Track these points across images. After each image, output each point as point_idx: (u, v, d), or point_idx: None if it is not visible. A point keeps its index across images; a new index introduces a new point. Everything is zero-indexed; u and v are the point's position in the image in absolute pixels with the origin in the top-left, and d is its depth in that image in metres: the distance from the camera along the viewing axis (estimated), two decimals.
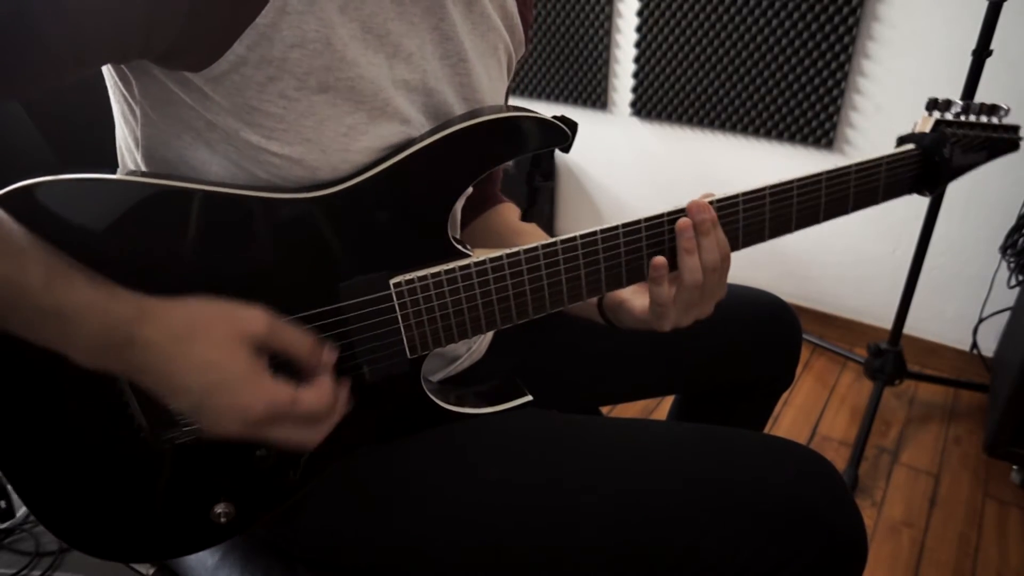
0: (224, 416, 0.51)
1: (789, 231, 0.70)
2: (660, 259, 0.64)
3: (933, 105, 0.76)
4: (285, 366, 0.54)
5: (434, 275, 0.59)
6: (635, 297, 0.70)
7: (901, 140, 0.76)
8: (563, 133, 0.60)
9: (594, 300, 0.75)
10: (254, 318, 0.52)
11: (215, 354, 0.50)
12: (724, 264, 0.65)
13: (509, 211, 0.85)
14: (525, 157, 0.63)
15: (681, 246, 0.63)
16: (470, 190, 0.74)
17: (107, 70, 0.58)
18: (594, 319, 0.76)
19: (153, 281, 0.51)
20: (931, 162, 0.74)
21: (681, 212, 0.64)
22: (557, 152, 0.63)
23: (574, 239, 0.62)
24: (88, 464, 0.59)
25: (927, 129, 0.75)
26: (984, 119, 0.77)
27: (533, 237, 0.76)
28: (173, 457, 0.60)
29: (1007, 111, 0.77)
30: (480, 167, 0.60)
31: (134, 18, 0.46)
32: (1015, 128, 0.79)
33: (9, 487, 0.59)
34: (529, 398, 0.69)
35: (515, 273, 0.61)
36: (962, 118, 0.76)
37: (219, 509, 0.62)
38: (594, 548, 0.62)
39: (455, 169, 0.59)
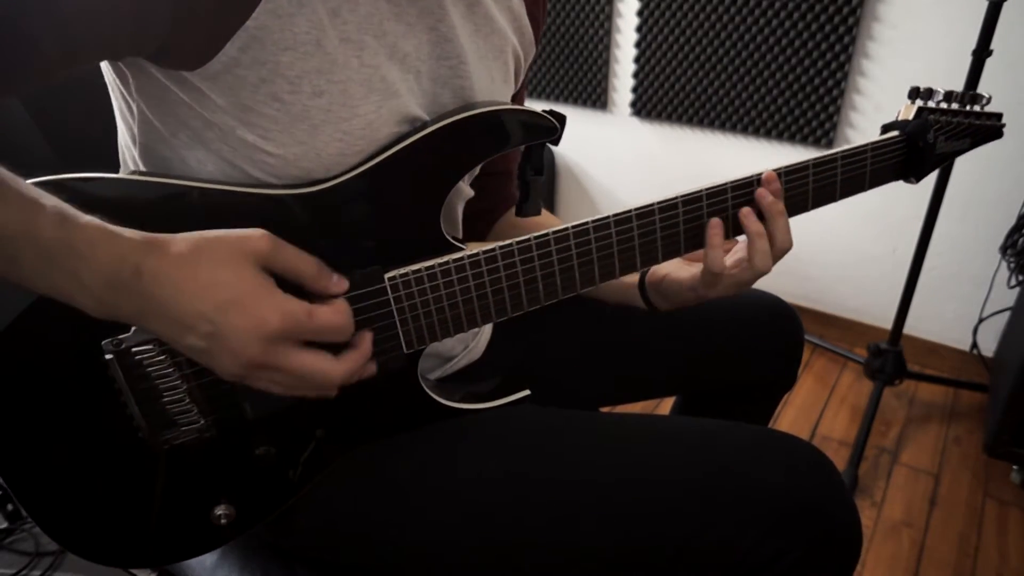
0: (240, 337, 0.49)
1: None
2: (717, 220, 0.66)
3: (915, 94, 0.76)
4: (293, 292, 0.53)
5: (428, 268, 0.59)
6: (679, 270, 0.73)
7: (885, 128, 0.77)
8: (551, 126, 0.61)
9: (635, 280, 0.77)
10: (257, 237, 0.51)
11: (222, 272, 0.49)
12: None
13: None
14: (517, 151, 0.63)
15: (751, 230, 0.67)
16: (469, 192, 0.74)
17: (105, 67, 0.58)
18: (630, 303, 0.78)
19: None
20: (915, 148, 0.75)
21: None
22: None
23: (566, 230, 0.62)
24: (87, 468, 0.59)
25: (910, 117, 0.75)
26: (967, 107, 0.77)
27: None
28: (172, 458, 0.60)
29: (988, 99, 0.77)
30: (469, 161, 0.61)
31: (121, 18, 0.47)
32: (997, 115, 0.79)
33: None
34: (527, 393, 0.69)
35: (508, 265, 0.61)
36: (943, 106, 0.76)
37: (219, 511, 0.62)
38: (593, 542, 0.62)
39: (445, 163, 0.59)
